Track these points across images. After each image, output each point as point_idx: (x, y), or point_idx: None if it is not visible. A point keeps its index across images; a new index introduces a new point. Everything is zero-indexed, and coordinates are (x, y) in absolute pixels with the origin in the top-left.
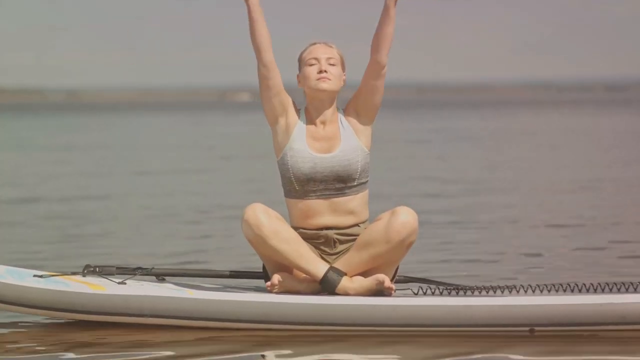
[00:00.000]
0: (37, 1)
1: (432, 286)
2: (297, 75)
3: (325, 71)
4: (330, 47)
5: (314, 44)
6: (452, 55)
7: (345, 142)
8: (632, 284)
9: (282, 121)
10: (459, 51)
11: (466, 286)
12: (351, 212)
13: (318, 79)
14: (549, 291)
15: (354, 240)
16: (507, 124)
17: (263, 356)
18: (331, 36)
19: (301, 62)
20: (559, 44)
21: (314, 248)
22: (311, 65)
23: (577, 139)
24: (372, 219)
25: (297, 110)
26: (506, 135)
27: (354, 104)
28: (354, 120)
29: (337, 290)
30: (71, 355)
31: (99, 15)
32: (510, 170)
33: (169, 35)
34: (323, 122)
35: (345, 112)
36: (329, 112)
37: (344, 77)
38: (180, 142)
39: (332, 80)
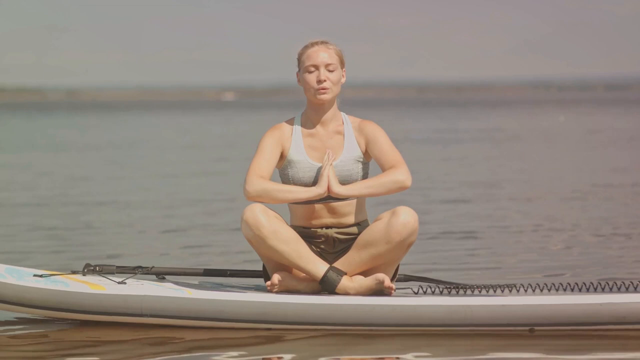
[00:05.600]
0: (37, 1)
1: (432, 285)
2: (297, 73)
3: (325, 80)
4: (329, 48)
5: (313, 45)
6: (452, 55)
7: (347, 152)
8: (632, 283)
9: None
10: (459, 51)
11: (466, 285)
12: (350, 213)
13: (317, 89)
14: (549, 290)
15: (353, 239)
16: (509, 124)
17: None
18: (331, 36)
19: (300, 64)
20: (560, 44)
21: (313, 247)
22: (310, 72)
23: (577, 140)
24: (372, 218)
25: (288, 124)
26: (507, 136)
27: (366, 146)
28: (360, 139)
29: (337, 290)
30: (71, 355)
31: (99, 16)
32: (509, 172)
33: (168, 36)
34: (323, 122)
35: (358, 128)
36: (329, 114)
37: (343, 75)
38: (178, 142)
39: (331, 88)
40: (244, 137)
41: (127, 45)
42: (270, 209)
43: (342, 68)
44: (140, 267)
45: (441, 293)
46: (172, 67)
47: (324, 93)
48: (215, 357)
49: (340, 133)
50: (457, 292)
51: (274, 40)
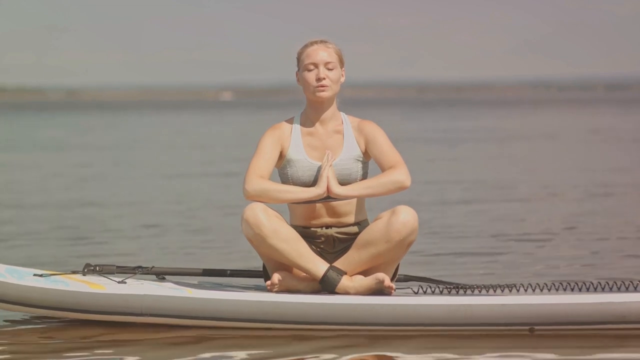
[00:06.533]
0: (37, 1)
1: (432, 285)
2: (296, 73)
3: (324, 78)
4: (328, 47)
5: (312, 44)
6: (452, 55)
7: (347, 151)
8: (632, 282)
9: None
10: (459, 51)
11: (466, 285)
12: (350, 213)
13: (317, 87)
14: (549, 290)
15: (353, 238)
16: (509, 124)
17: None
18: (331, 36)
19: (299, 63)
20: (560, 44)
21: (313, 247)
22: (310, 70)
23: (578, 139)
24: (372, 218)
25: (287, 123)
26: (508, 135)
27: (366, 146)
28: (360, 139)
29: (337, 290)
30: (71, 354)
31: (99, 16)
32: (511, 171)
33: (168, 36)
34: (323, 121)
35: (357, 128)
36: (329, 113)
37: (342, 75)
38: (175, 141)
39: (331, 86)
40: (242, 138)
41: (127, 45)
42: (271, 208)
43: (341, 67)
44: (140, 267)
45: (441, 293)
46: (172, 67)
47: (323, 90)
48: (215, 357)
49: (340, 132)
50: (457, 292)
51: (274, 40)
